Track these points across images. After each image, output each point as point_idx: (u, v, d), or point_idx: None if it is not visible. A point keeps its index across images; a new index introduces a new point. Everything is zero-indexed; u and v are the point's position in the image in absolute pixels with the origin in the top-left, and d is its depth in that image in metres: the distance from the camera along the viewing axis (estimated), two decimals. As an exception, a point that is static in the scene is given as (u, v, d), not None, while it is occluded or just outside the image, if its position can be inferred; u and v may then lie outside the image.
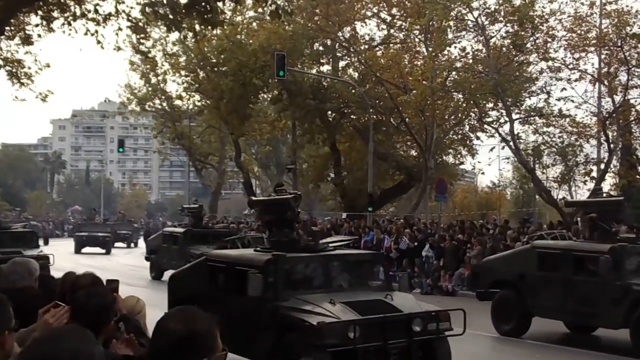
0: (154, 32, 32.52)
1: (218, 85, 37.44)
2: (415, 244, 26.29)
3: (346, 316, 9.55)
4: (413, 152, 38.98)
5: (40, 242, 24.65)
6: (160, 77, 45.62)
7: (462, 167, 44.10)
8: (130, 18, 18.23)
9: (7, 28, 19.54)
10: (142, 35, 19.76)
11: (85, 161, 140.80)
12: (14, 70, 23.18)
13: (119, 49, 19.58)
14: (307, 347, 9.36)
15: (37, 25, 20.15)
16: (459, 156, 39.18)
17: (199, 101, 45.27)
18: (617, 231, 15.82)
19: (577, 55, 27.60)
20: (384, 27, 36.31)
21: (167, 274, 27.44)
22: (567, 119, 28.90)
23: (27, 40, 21.48)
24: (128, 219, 58.63)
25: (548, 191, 29.51)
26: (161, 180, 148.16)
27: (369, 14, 35.96)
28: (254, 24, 36.93)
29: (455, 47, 31.37)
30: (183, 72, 42.88)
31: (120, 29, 18.70)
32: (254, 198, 14.38)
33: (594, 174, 28.25)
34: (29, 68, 23.36)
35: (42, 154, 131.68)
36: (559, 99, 29.33)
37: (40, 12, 19.00)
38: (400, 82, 32.05)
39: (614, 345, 14.33)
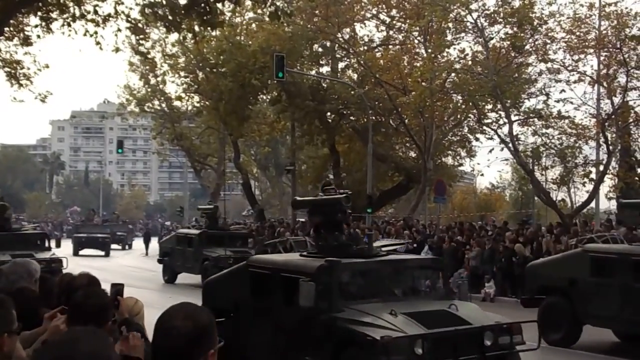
0: (153, 33, 32.52)
1: (217, 86, 37.42)
2: (414, 245, 26.29)
3: (411, 329, 8.76)
4: (412, 154, 38.99)
5: (52, 243, 24.07)
6: (159, 78, 45.64)
7: (461, 168, 44.10)
8: (129, 19, 18.22)
9: (6, 29, 19.52)
10: (141, 36, 19.74)
11: (84, 162, 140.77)
12: (12, 71, 23.14)
13: (117, 50, 19.55)
14: None
15: (36, 26, 20.12)
16: (458, 157, 39.26)
17: (198, 102, 45.26)
18: None
19: (576, 57, 27.63)
20: (383, 28, 36.35)
21: (181, 277, 27.32)
22: (566, 121, 28.92)
23: (26, 41, 21.44)
24: (122, 220, 58.29)
25: (547, 193, 29.52)
26: (160, 181, 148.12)
27: (368, 15, 35.97)
28: (253, 25, 36.95)
29: (454, 48, 31.45)
30: (182, 73, 42.88)
31: (119, 29, 18.68)
32: (298, 198, 13.25)
33: (593, 175, 28.27)
34: (28, 69, 23.32)
35: (41, 154, 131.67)
36: (558, 101, 29.36)
37: (39, 13, 18.97)
38: (399, 83, 32.06)
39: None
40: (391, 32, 36.25)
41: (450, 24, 30.45)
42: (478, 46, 30.34)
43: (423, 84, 30.02)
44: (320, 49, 37.39)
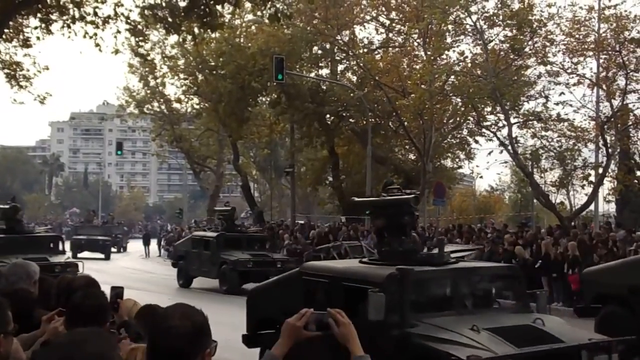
0: (153, 35, 32.54)
1: (217, 88, 37.45)
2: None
3: (500, 348, 7.75)
4: (411, 156, 39.00)
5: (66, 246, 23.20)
6: (158, 80, 45.69)
7: (460, 170, 44.08)
8: (129, 21, 18.24)
9: (6, 30, 19.54)
10: (140, 38, 19.76)
11: (83, 163, 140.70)
12: (12, 72, 23.16)
13: (117, 51, 19.58)
14: None
15: (36, 28, 20.13)
16: (457, 160, 39.26)
17: (197, 104, 45.32)
18: None
19: (575, 60, 27.65)
20: (383, 30, 36.41)
21: (197, 282, 26.51)
22: (566, 123, 28.92)
23: (25, 43, 21.46)
24: (117, 222, 57.78)
25: (546, 195, 29.51)
26: (159, 183, 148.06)
27: (367, 17, 36.01)
28: (253, 27, 36.96)
29: (453, 51, 31.44)
30: (182, 75, 42.91)
31: (119, 31, 18.73)
32: (358, 199, 11.92)
33: (592, 178, 28.26)
34: (28, 70, 23.36)
35: (40, 156, 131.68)
36: (557, 103, 29.40)
37: (39, 15, 19.00)
38: (398, 85, 32.07)
39: None
40: (390, 35, 36.30)
41: (449, 27, 30.49)
42: (477, 49, 30.38)
43: (422, 86, 30.03)
44: (319, 51, 37.43)
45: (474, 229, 28.66)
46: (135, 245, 51.55)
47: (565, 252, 21.03)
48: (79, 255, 41.58)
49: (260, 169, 62.72)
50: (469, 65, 30.35)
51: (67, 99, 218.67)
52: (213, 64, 38.31)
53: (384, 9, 34.79)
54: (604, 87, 27.19)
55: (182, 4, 16.57)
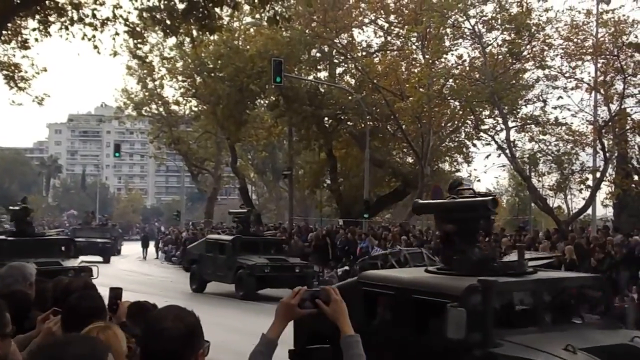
0: (151, 37, 32.55)
1: (215, 91, 37.46)
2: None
3: None
4: (409, 159, 39.01)
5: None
6: (157, 82, 45.66)
7: (458, 174, 44.06)
8: (127, 23, 18.24)
9: (4, 32, 19.53)
10: (139, 40, 19.76)
11: (81, 165, 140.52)
12: (10, 74, 23.16)
13: (115, 54, 19.60)
14: None
15: (34, 30, 20.13)
16: (455, 163, 39.29)
17: (195, 106, 45.32)
18: None
19: (573, 64, 27.69)
20: (382, 34, 36.44)
21: (211, 286, 25.71)
22: (563, 127, 28.98)
23: (24, 44, 21.47)
24: (112, 224, 57.05)
25: (544, 199, 29.55)
26: (157, 185, 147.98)
27: (366, 20, 36.04)
28: (252, 29, 36.96)
29: (452, 54, 31.50)
30: (180, 77, 42.92)
31: (117, 33, 18.73)
32: (422, 201, 10.66)
33: (590, 182, 28.29)
34: (26, 72, 23.39)
35: (38, 157, 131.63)
36: (555, 107, 29.50)
37: (37, 17, 19.00)
38: (397, 89, 32.09)
39: None
40: (389, 38, 36.33)
41: (448, 30, 30.52)
42: (476, 52, 30.41)
43: (421, 89, 30.05)
44: (318, 54, 37.43)
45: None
46: (132, 248, 51.37)
47: (562, 256, 21.02)
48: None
49: (258, 172, 62.75)
50: (467, 68, 30.38)
51: (65, 100, 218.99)
52: (211, 66, 38.31)
53: (382, 12, 34.83)
54: (601, 91, 27.22)
55: (181, 7, 16.56)
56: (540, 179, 31.56)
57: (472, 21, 29.13)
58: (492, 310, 7.51)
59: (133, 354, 3.52)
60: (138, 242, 52.56)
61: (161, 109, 47.51)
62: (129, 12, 18.24)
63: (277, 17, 16.32)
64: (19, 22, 20.71)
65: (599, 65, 27.46)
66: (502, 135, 29.42)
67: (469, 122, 33.55)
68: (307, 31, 34.32)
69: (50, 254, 19.53)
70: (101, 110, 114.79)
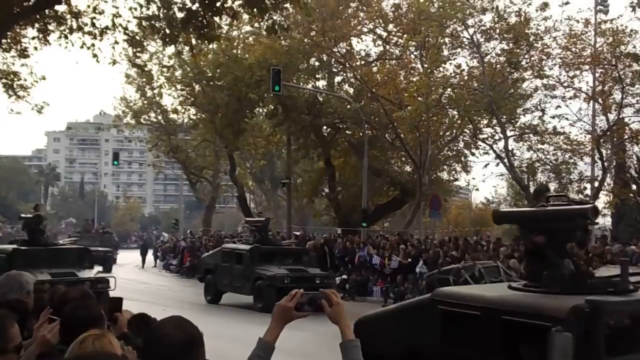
0: (150, 46, 32.60)
1: (213, 99, 37.49)
2: (409, 260, 26.28)
3: None
4: (407, 168, 39.03)
5: None
6: (155, 91, 45.67)
7: (456, 183, 44.20)
8: (127, 32, 18.26)
9: (4, 40, 19.55)
10: (138, 49, 19.78)
11: (79, 174, 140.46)
12: (9, 82, 23.19)
13: (114, 62, 19.61)
14: None
15: (33, 38, 20.17)
16: (453, 172, 39.34)
17: (194, 115, 45.38)
18: None
19: (571, 73, 27.78)
20: (380, 43, 36.47)
21: (226, 297, 24.86)
22: (562, 137, 29.06)
23: (23, 53, 21.49)
24: (108, 232, 56.32)
25: (542, 208, 29.50)
26: (155, 193, 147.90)
27: (365, 29, 36.10)
28: (250, 38, 37.03)
29: (450, 63, 31.60)
30: (179, 86, 42.93)
31: (116, 42, 18.76)
32: (504, 209, 8.69)
33: (588, 191, 28.32)
34: (25, 80, 23.41)
35: (36, 165, 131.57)
36: (553, 117, 29.53)
37: (36, 25, 19.03)
38: (395, 98, 32.14)
39: None
40: (388, 47, 36.37)
41: (446, 40, 30.62)
42: (474, 62, 30.50)
43: (419, 98, 30.10)
44: (316, 63, 37.49)
45: (469, 242, 28.66)
46: (130, 256, 51.13)
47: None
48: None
49: (256, 180, 62.70)
50: (466, 78, 30.46)
51: (63, 108, 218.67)
52: (210, 75, 38.35)
53: (381, 21, 34.90)
54: (600, 100, 27.29)
55: (180, 16, 16.59)
56: (538, 188, 31.57)
57: (471, 31, 29.25)
58: (602, 335, 6.35)
59: None
60: (136, 250, 52.38)
61: (160, 118, 47.54)
62: (128, 21, 18.28)
63: (276, 27, 16.35)
64: (18, 30, 20.72)
65: (597, 74, 27.56)
66: (501, 144, 29.50)
67: (468, 131, 33.60)
68: (305, 40, 34.38)
69: (64, 265, 18.96)
70: (100, 119, 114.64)
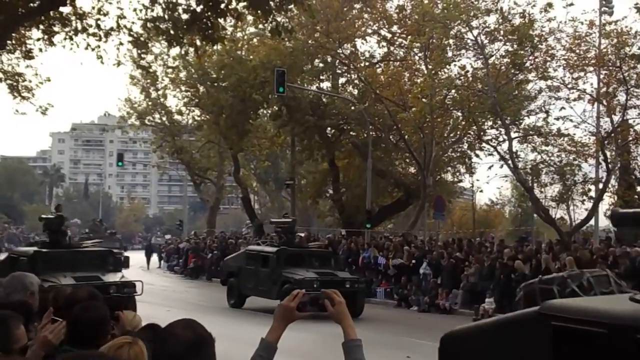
0: (155, 47, 32.66)
1: (218, 101, 37.54)
2: (413, 261, 26.30)
3: None
4: (412, 170, 39.04)
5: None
6: (160, 92, 45.76)
7: (460, 184, 44.17)
8: (131, 33, 18.30)
9: (9, 42, 19.60)
10: (143, 50, 19.81)
11: (84, 174, 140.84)
12: (14, 83, 23.23)
13: (119, 63, 19.63)
14: None
15: (38, 40, 20.21)
16: (457, 174, 39.33)
17: (198, 116, 45.43)
18: None
19: (576, 75, 27.69)
20: (384, 44, 36.47)
21: (250, 301, 24.02)
22: (566, 138, 28.98)
23: (28, 54, 21.52)
24: (110, 232, 55.96)
25: (546, 210, 29.52)
26: (159, 194, 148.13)
27: (369, 31, 36.12)
28: (255, 40, 37.09)
29: (454, 65, 31.53)
30: (183, 87, 43.01)
31: (121, 43, 18.80)
32: (623, 210, 7.85)
33: (592, 193, 28.29)
34: (30, 81, 23.43)
35: (41, 166, 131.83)
36: (557, 118, 29.51)
37: (41, 27, 19.07)
38: (399, 99, 32.15)
39: None
40: (392, 48, 36.39)
41: (450, 41, 30.57)
42: (478, 63, 30.46)
43: (423, 100, 30.11)
44: (321, 65, 37.52)
45: (473, 243, 28.68)
46: (134, 257, 50.96)
47: (563, 268, 21.01)
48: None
49: (260, 181, 62.80)
50: (470, 79, 30.42)
51: (68, 109, 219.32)
52: (214, 76, 38.43)
53: (385, 22, 34.89)
54: (604, 102, 27.24)
55: (185, 17, 16.64)
56: (542, 189, 31.62)
57: (475, 32, 29.20)
58: None
59: None
60: (140, 251, 52.38)
61: (164, 119, 47.60)
62: (132, 23, 18.31)
63: (280, 29, 16.38)
64: (23, 32, 20.78)
65: (601, 76, 27.51)
66: (505, 145, 29.46)
67: (472, 132, 33.56)
68: (310, 41, 34.42)
69: (88, 268, 18.15)
70: (104, 120, 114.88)
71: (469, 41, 29.90)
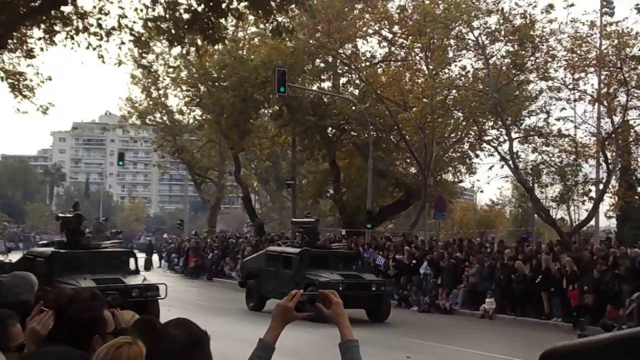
0: (156, 47, 32.67)
1: (219, 100, 37.56)
2: (414, 261, 26.31)
3: None
4: (412, 170, 39.04)
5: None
6: (161, 91, 45.79)
7: (461, 185, 44.14)
8: (133, 32, 18.30)
9: (10, 41, 19.61)
10: (144, 50, 19.82)
11: (85, 174, 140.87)
12: (16, 82, 23.23)
13: (120, 63, 19.64)
14: None
15: (39, 39, 20.19)
16: (458, 174, 39.30)
17: (199, 116, 45.43)
18: None
19: (576, 76, 27.69)
20: (385, 44, 36.50)
21: (270, 303, 22.27)
22: (566, 139, 28.98)
23: (29, 54, 21.53)
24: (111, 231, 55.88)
25: (547, 210, 29.53)
26: (160, 193, 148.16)
27: (370, 31, 36.12)
28: (256, 39, 37.11)
29: (455, 65, 31.55)
30: (184, 87, 43.01)
31: (123, 43, 18.80)
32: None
33: (593, 194, 28.29)
34: (31, 81, 23.43)
35: (42, 165, 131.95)
36: (558, 119, 29.45)
37: (42, 26, 19.08)
38: (400, 99, 32.16)
39: None
40: (393, 49, 36.42)
41: (451, 41, 30.58)
42: (479, 63, 30.46)
43: (424, 100, 30.10)
44: (322, 65, 37.54)
45: (474, 243, 28.69)
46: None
47: (564, 268, 21.04)
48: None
49: (261, 181, 62.80)
50: (471, 79, 30.43)
51: (69, 109, 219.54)
52: (216, 75, 38.44)
53: (386, 23, 34.90)
54: (605, 103, 27.23)
55: (186, 17, 16.65)
56: (543, 190, 31.59)
57: (476, 32, 29.20)
58: None
59: None
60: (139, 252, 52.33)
61: (165, 118, 47.63)
62: (134, 22, 18.31)
63: (281, 29, 16.39)
64: (24, 31, 20.78)
65: (602, 77, 27.50)
66: (505, 146, 29.46)
67: (472, 133, 33.57)
68: (311, 41, 34.43)
69: (108, 270, 17.30)
70: (105, 119, 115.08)
71: (469, 41, 29.91)
